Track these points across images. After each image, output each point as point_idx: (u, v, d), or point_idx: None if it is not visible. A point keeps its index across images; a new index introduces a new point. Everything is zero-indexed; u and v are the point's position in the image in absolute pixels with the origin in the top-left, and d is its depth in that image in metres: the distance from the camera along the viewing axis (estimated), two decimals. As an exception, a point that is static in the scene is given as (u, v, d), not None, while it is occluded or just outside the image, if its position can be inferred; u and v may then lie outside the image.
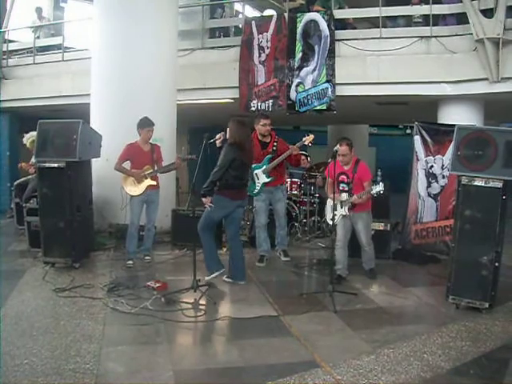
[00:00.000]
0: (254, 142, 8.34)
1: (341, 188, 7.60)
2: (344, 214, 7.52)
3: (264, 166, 8.44)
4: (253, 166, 8.37)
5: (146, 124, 8.38)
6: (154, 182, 8.42)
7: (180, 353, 5.21)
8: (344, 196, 7.53)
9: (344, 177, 7.59)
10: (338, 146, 7.42)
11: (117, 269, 8.10)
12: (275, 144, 8.52)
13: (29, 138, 10.55)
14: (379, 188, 7.18)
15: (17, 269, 8.08)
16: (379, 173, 11.19)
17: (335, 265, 7.58)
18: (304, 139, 8.31)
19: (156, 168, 8.45)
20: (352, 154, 7.57)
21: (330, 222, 7.72)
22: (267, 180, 8.46)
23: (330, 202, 7.74)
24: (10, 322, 5.73)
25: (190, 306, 6.31)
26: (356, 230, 7.69)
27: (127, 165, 8.45)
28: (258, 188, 8.52)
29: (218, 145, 7.68)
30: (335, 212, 7.35)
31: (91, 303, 6.41)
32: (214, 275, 7.32)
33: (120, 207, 8.70)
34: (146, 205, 8.42)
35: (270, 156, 8.45)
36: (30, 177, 10.82)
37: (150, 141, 8.46)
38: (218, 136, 7.74)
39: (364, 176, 7.49)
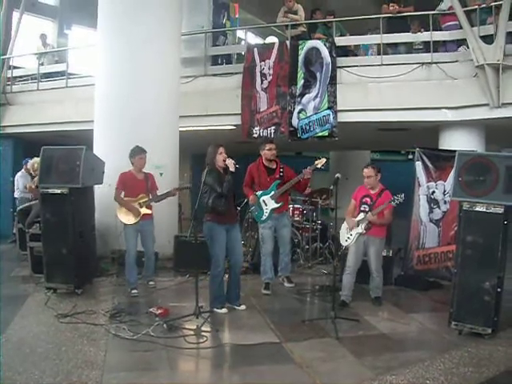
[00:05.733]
0: (260, 169, 8.38)
1: (362, 208, 7.66)
2: (360, 231, 7.53)
3: (272, 192, 8.27)
4: (259, 192, 8.34)
5: (137, 152, 8.34)
6: (150, 211, 8.36)
7: (182, 379, 5.17)
8: (361, 215, 7.57)
9: (368, 199, 7.66)
10: (364, 169, 7.67)
11: (119, 295, 8.10)
12: (281, 170, 8.43)
13: (33, 163, 10.63)
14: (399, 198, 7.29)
15: (19, 294, 8.07)
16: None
17: (340, 290, 7.61)
18: (316, 162, 8.11)
19: (151, 197, 8.41)
20: (378, 178, 7.67)
21: (344, 244, 7.75)
22: (277, 206, 8.28)
23: (345, 224, 7.78)
24: (11, 347, 5.73)
25: (192, 332, 6.30)
26: (367, 254, 7.69)
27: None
28: (267, 214, 8.32)
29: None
30: (351, 232, 7.51)
31: (93, 329, 6.40)
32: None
33: (116, 234, 8.82)
34: (140, 234, 8.35)
35: (278, 181, 8.31)
36: (32, 202, 10.88)
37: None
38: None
39: (385, 201, 7.50)
